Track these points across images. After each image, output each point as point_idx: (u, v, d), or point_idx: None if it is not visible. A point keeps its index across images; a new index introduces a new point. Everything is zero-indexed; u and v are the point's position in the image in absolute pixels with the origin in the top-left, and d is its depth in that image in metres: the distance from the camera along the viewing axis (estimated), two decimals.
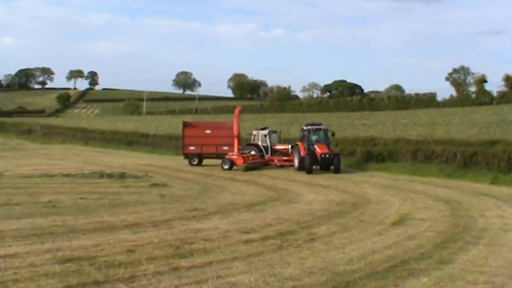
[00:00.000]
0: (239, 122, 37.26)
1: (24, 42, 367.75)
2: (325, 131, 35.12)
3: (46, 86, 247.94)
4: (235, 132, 36.78)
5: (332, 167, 33.55)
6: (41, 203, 19.37)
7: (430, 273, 11.21)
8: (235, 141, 36.52)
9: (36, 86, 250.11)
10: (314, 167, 33.49)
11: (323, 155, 33.29)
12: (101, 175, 29.77)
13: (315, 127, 35.31)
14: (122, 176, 29.66)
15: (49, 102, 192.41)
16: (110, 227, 15.23)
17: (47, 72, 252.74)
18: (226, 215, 18.02)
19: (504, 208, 20.74)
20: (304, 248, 13.09)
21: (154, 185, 26.04)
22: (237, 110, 38.67)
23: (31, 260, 11.28)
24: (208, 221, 16.61)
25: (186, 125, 40.53)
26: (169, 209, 18.93)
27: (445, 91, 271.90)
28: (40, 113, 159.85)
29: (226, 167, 35.35)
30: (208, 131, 39.17)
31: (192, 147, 39.25)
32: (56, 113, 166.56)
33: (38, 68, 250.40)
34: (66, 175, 29.62)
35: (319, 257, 12.20)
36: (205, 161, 39.57)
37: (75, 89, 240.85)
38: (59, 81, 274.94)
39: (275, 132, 40.28)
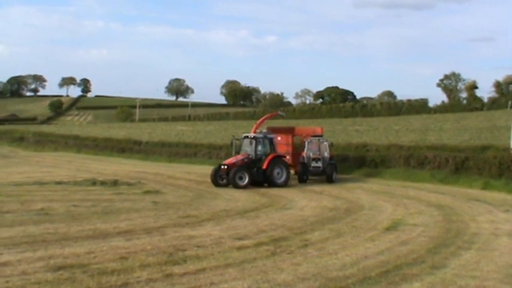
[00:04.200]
0: (259, 128, 33.36)
1: (16, 49, 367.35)
2: (256, 139, 30.34)
3: (38, 93, 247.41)
4: None
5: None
6: (33, 210, 19.25)
7: (422, 278, 11.25)
8: None
9: (28, 94, 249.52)
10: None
11: (221, 166, 29.85)
12: (94, 182, 29.61)
13: (244, 135, 31.50)
14: (115, 183, 29.52)
15: (41, 109, 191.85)
16: (102, 234, 15.18)
17: (39, 79, 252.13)
18: (219, 221, 17.99)
19: (495, 213, 20.84)
20: (297, 254, 13.09)
21: (147, 192, 25.95)
22: (269, 115, 35.90)
23: (23, 268, 11.21)
24: (201, 228, 16.58)
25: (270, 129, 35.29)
26: (162, 216, 18.87)
27: (437, 97, 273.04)
28: (32, 120, 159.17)
29: None
30: (279, 138, 34.37)
31: None
32: (48, 120, 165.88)
33: (30, 75, 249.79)
34: (59, 182, 29.46)
35: (313, 263, 12.21)
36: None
37: (67, 96, 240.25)
38: (51, 88, 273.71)
39: (325, 140, 34.14)
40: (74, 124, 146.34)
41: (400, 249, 13.99)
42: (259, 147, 30.46)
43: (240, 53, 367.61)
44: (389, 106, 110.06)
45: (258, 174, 29.89)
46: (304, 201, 23.76)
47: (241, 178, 29.16)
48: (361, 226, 17.49)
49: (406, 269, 11.92)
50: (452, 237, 15.91)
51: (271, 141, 30.92)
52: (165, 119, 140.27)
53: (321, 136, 34.75)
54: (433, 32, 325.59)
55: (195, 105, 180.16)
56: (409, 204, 22.88)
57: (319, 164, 32.82)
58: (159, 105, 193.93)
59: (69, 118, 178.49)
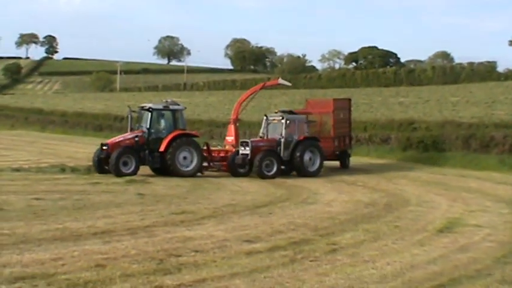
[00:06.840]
0: (246, 100, 34.29)
1: None
2: (152, 111, 29.34)
3: None
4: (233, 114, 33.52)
5: None
6: None
7: None
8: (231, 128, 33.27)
9: None
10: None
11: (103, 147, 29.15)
12: (63, 169, 29.79)
13: (141, 105, 31.07)
14: (90, 170, 29.64)
15: None
16: (73, 235, 15.21)
17: None
18: (223, 219, 18.05)
19: None
20: (323, 262, 13.09)
21: (131, 182, 26.07)
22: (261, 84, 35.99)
23: None
24: (200, 227, 16.62)
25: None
26: (150, 212, 18.94)
27: (509, 60, 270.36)
28: None
29: None
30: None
31: None
32: (2, 89, 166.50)
33: None
34: (17, 169, 29.61)
35: (343, 273, 12.20)
36: None
37: (27, 58, 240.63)
38: (6, 48, 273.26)
39: (281, 117, 31.33)
40: (37, 94, 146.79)
41: (458, 257, 13.94)
42: (160, 123, 29.65)
43: (250, 3, 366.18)
44: (444, 72, 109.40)
45: (154, 159, 28.80)
46: (332, 194, 23.81)
47: (125, 164, 28.12)
48: (406, 226, 17.47)
49: (466, 283, 11.87)
50: None
51: (176, 114, 29.80)
52: (154, 88, 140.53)
53: (290, 112, 32.24)
54: None
55: (193, 70, 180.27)
56: (469, 199, 22.83)
57: (247, 150, 30.12)
58: (146, 70, 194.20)
59: (29, 86, 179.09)
